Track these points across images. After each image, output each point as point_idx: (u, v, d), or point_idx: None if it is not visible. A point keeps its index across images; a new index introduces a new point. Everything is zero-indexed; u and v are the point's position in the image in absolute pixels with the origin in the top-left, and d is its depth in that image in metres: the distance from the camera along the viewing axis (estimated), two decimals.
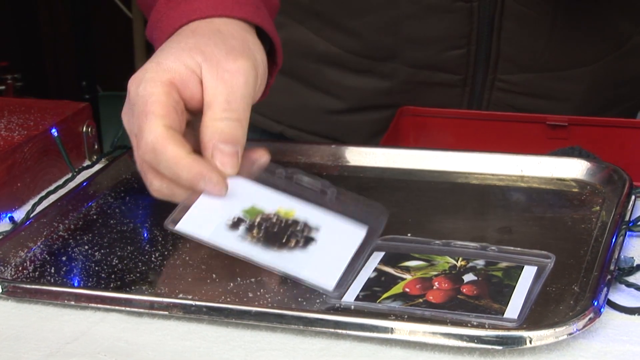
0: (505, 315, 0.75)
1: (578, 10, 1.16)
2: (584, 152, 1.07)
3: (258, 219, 0.84)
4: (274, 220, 0.85)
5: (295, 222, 0.85)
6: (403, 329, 0.74)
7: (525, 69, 1.18)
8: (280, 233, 0.83)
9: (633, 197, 0.92)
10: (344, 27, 1.19)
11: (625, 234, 0.86)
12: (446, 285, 0.79)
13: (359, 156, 1.03)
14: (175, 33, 0.90)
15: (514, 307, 0.76)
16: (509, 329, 0.73)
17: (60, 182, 1.01)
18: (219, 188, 0.83)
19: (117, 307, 0.80)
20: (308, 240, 0.83)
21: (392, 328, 0.74)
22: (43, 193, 0.99)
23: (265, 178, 0.88)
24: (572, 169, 0.97)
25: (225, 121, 0.84)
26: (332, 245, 0.83)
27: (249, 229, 0.83)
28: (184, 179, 0.83)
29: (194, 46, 0.86)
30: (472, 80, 1.18)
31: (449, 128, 1.18)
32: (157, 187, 0.85)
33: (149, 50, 2.83)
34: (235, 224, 0.84)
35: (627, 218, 0.88)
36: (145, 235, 0.92)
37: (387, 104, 1.22)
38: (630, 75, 1.24)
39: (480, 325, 0.74)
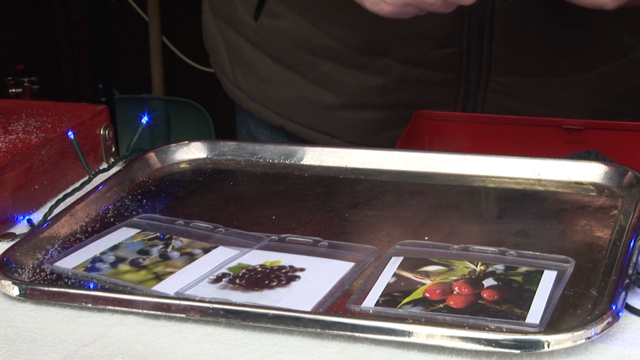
0: (527, 321, 0.74)
1: (570, 16, 1.14)
2: (601, 156, 1.06)
3: (242, 272, 0.84)
4: (259, 269, 0.84)
5: (281, 267, 0.84)
6: (420, 333, 0.73)
7: (518, 72, 1.17)
8: (264, 277, 0.83)
9: None
10: (338, 20, 1.19)
11: None
12: (466, 290, 0.78)
13: (376, 159, 1.02)
14: None
15: (536, 312, 0.75)
16: (529, 333, 0.72)
17: (77, 184, 1.01)
18: None
19: (134, 310, 0.80)
20: (292, 278, 0.82)
21: (409, 332, 0.73)
22: (60, 195, 0.99)
23: (256, 244, 0.88)
24: (590, 172, 0.96)
25: None
26: (316, 279, 0.82)
27: (231, 280, 0.83)
28: None
29: None
30: (466, 80, 1.17)
31: (463, 132, 1.17)
32: None
33: (165, 54, 2.84)
34: (218, 279, 0.83)
35: None
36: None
37: (381, 103, 1.21)
38: (631, 88, 1.22)
39: (498, 329, 0.74)
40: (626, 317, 0.76)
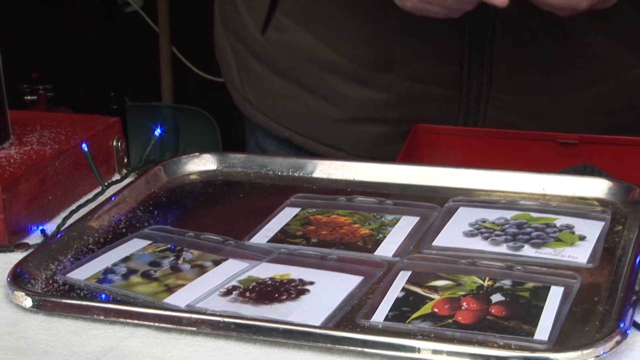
0: (535, 337, 0.71)
1: (568, 36, 1.12)
2: (596, 170, 1.03)
3: (252, 285, 0.80)
4: (269, 282, 0.81)
5: (291, 280, 0.81)
6: (429, 349, 0.70)
7: (518, 90, 1.14)
8: (274, 291, 0.79)
9: None
10: (344, 35, 1.16)
11: None
12: (474, 305, 0.75)
13: (383, 172, 0.99)
14: None
15: (544, 328, 0.72)
16: (538, 350, 0.69)
17: (90, 195, 0.98)
18: None
19: (145, 322, 0.76)
20: (301, 292, 0.79)
21: (419, 348, 0.70)
22: (74, 206, 0.96)
23: (266, 257, 0.85)
24: (594, 188, 0.93)
25: None
26: (325, 293, 0.79)
27: (242, 293, 0.79)
28: None
29: None
30: (467, 96, 1.14)
31: (461, 145, 1.15)
32: None
33: (174, 63, 2.81)
34: (229, 291, 0.79)
35: None
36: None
37: (384, 117, 1.18)
38: (630, 105, 1.19)
39: (507, 346, 0.70)
40: (634, 335, 0.73)
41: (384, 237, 0.87)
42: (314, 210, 0.93)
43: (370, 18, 1.14)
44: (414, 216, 0.91)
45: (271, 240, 0.88)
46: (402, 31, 1.12)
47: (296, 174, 1.00)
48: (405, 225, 0.89)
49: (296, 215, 0.92)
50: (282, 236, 0.89)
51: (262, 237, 0.89)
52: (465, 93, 1.14)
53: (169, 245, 0.87)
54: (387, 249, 0.85)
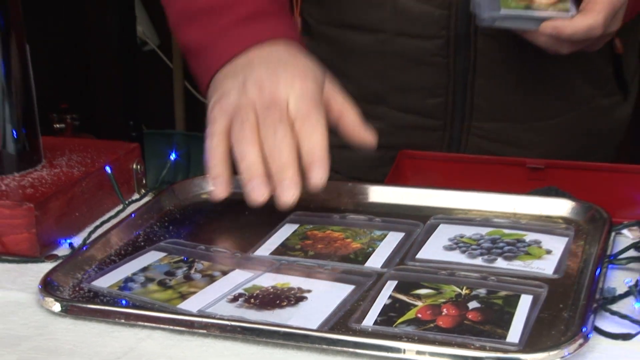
0: (507, 340, 0.71)
1: (541, 71, 1.13)
2: (560, 192, 1.03)
3: (256, 292, 0.80)
4: (271, 290, 0.81)
5: (290, 289, 0.81)
6: (414, 350, 0.70)
7: (497, 119, 1.15)
8: (275, 298, 0.79)
9: (613, 233, 0.87)
10: (341, 72, 1.16)
11: (608, 266, 0.82)
12: (454, 311, 0.75)
13: (372, 193, 0.99)
14: None
15: (515, 332, 0.72)
16: (510, 351, 0.69)
17: (112, 212, 0.98)
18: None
19: (161, 325, 0.76)
20: (300, 299, 0.79)
21: (404, 349, 0.70)
22: (98, 222, 0.96)
23: (268, 268, 0.85)
24: (559, 207, 0.93)
25: None
26: (321, 300, 0.79)
27: (247, 300, 0.79)
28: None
29: None
30: (451, 125, 1.15)
31: (441, 169, 1.15)
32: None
33: (187, 96, 2.81)
34: (235, 298, 0.80)
35: (608, 252, 0.84)
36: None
37: (377, 144, 1.18)
38: (594, 132, 1.21)
39: (482, 347, 0.70)
40: (595, 338, 0.73)
41: (373, 250, 0.88)
42: (311, 226, 0.94)
43: (365, 58, 1.15)
44: (399, 232, 0.91)
45: (273, 253, 0.89)
46: (395, 67, 1.13)
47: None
48: (392, 240, 0.90)
49: (295, 230, 0.93)
50: (283, 249, 0.89)
51: (265, 250, 0.89)
52: (450, 122, 1.15)
53: (182, 257, 0.88)
54: (376, 261, 0.86)
